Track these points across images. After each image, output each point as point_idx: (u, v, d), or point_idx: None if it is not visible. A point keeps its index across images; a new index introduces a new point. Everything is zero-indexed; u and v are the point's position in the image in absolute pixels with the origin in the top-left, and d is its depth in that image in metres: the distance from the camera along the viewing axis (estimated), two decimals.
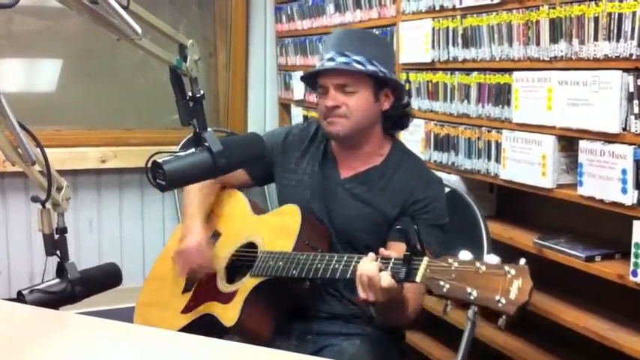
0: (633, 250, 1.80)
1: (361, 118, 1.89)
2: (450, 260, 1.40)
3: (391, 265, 1.53)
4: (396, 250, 1.60)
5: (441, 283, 1.38)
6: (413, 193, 1.86)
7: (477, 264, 1.36)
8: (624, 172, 1.80)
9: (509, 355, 2.27)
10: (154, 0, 3.64)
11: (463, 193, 2.16)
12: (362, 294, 1.57)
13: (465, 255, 1.40)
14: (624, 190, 1.80)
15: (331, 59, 1.86)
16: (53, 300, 1.38)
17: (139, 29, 1.29)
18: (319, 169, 1.99)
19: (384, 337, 1.91)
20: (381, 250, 1.59)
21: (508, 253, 2.24)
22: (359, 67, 1.84)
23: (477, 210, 2.07)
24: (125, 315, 2.12)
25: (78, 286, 1.40)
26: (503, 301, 1.30)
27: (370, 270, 1.53)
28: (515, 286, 1.31)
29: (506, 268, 1.33)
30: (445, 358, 2.58)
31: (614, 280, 1.89)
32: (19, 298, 1.37)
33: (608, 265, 1.95)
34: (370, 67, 1.84)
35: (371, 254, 1.58)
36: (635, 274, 1.81)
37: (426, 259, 1.45)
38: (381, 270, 1.53)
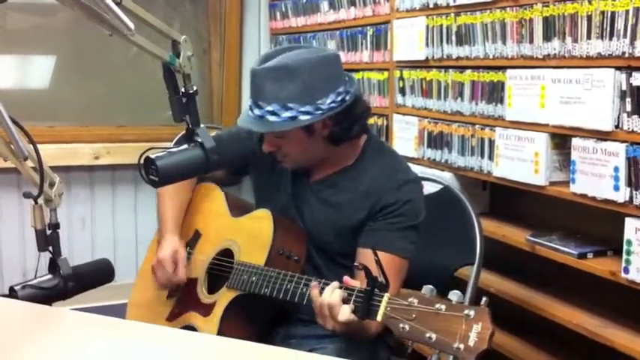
0: (625, 247, 1.81)
1: (300, 154, 1.81)
2: (411, 298, 1.34)
3: (354, 297, 1.48)
4: (366, 257, 1.57)
5: (401, 325, 1.32)
6: (382, 197, 1.78)
7: (437, 304, 1.30)
8: (616, 169, 1.80)
9: (501, 351, 2.28)
10: None
11: (456, 190, 2.16)
12: (320, 321, 1.54)
13: (427, 290, 1.35)
14: (616, 188, 1.81)
15: (250, 108, 1.76)
16: (46, 296, 1.38)
17: (132, 25, 1.29)
18: (291, 171, 1.92)
19: None
20: (345, 278, 1.54)
21: (501, 249, 2.26)
22: (272, 118, 1.69)
23: (470, 207, 2.07)
24: (118, 311, 2.11)
25: (70, 282, 1.40)
26: (462, 347, 1.24)
27: (333, 300, 1.50)
28: (474, 332, 1.24)
29: (466, 311, 1.26)
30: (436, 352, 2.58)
31: (606, 277, 1.90)
32: (12, 293, 1.37)
33: (600, 262, 1.96)
34: (285, 115, 1.68)
35: (334, 283, 1.54)
36: (626, 270, 1.82)
37: (386, 296, 1.39)
38: (344, 301, 1.49)
